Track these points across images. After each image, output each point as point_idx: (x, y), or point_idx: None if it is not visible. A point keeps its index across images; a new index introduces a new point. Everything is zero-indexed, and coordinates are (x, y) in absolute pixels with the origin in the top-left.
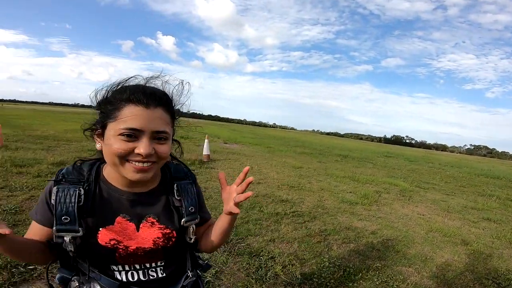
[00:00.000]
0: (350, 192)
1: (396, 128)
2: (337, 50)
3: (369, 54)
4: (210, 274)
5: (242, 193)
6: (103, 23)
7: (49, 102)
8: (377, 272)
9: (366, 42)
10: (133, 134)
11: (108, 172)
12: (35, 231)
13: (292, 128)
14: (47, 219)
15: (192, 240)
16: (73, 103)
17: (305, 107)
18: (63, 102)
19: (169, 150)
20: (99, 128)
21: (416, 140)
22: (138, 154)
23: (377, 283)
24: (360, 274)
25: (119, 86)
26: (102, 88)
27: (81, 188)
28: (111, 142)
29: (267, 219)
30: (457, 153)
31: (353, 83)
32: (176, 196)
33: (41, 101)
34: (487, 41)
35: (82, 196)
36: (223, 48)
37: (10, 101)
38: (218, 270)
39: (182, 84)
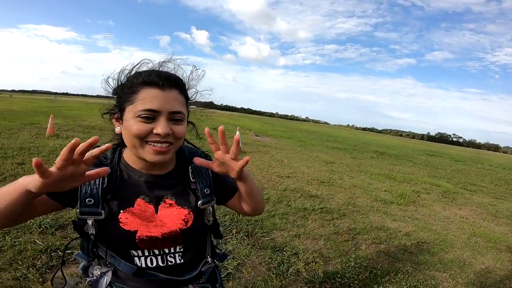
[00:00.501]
0: (385, 190)
1: (442, 125)
2: (375, 43)
3: (411, 47)
4: (232, 266)
5: (234, 157)
6: (141, 19)
7: (97, 95)
8: (407, 276)
9: (408, 35)
10: (150, 116)
11: (128, 156)
12: (45, 201)
13: (325, 123)
14: (57, 193)
15: (210, 222)
16: None
17: (340, 101)
18: (109, 95)
19: (185, 131)
20: (117, 112)
21: (464, 139)
22: (157, 135)
23: (405, 287)
24: (388, 276)
25: (133, 71)
26: (114, 74)
27: None
28: (130, 124)
29: (294, 214)
30: (510, 153)
31: (394, 77)
32: (191, 179)
33: (89, 94)
34: None
35: (106, 178)
36: (255, 41)
37: (62, 94)
38: (240, 262)
39: (195, 68)
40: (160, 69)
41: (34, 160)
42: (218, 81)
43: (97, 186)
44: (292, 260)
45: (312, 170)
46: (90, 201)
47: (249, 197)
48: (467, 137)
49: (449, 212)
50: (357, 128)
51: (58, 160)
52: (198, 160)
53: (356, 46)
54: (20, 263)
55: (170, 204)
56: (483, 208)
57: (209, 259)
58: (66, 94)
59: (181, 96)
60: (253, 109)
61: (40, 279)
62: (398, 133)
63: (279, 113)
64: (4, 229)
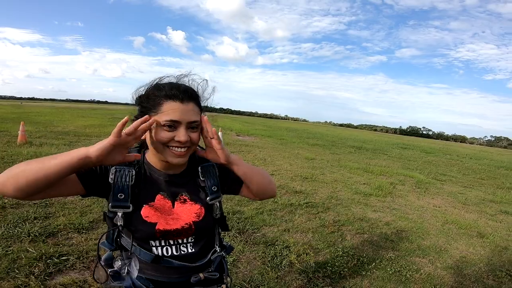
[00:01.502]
0: (364, 183)
1: (412, 119)
2: (349, 41)
3: (382, 45)
4: (228, 261)
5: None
6: (113, 20)
7: (66, 99)
8: (390, 262)
9: (379, 32)
10: (173, 125)
11: (150, 157)
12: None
13: (304, 120)
14: (87, 176)
15: (218, 216)
16: (89, 99)
17: (317, 98)
18: (79, 99)
19: (200, 137)
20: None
21: (433, 132)
22: (178, 141)
23: (390, 272)
24: (374, 263)
25: (155, 84)
26: (141, 87)
27: (133, 170)
28: (156, 132)
29: (281, 210)
30: (476, 144)
31: (366, 74)
32: (200, 177)
33: (58, 98)
34: (508, 31)
35: (134, 177)
36: (232, 41)
37: (28, 98)
38: (236, 258)
39: (207, 82)
40: (178, 82)
41: (125, 118)
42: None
43: (127, 183)
44: (285, 253)
45: (294, 167)
46: (121, 195)
47: (248, 181)
48: (436, 129)
49: (423, 202)
50: (334, 125)
51: (130, 127)
52: (199, 153)
53: (331, 44)
54: (17, 271)
55: (185, 200)
56: (453, 197)
57: (218, 249)
58: (33, 98)
59: (197, 107)
60: (233, 109)
61: (42, 286)
62: (373, 128)
63: (259, 112)
64: None
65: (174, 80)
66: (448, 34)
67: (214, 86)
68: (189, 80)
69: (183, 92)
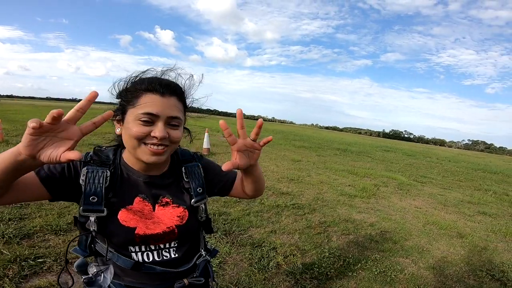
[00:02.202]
0: (349, 185)
1: (395, 122)
2: (336, 45)
3: (368, 49)
4: (214, 264)
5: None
6: (100, 18)
7: (47, 97)
8: (376, 263)
9: (366, 36)
10: (150, 119)
11: (127, 157)
12: (28, 177)
13: (291, 122)
14: (52, 180)
15: (203, 218)
16: (71, 97)
17: (304, 101)
18: (60, 97)
19: (181, 136)
20: (119, 114)
21: (414, 135)
22: (154, 137)
23: (376, 273)
24: (359, 264)
25: (137, 78)
26: (121, 80)
27: (107, 171)
28: (130, 126)
29: (268, 211)
30: (455, 148)
31: (352, 77)
32: (184, 179)
33: (38, 96)
34: (487, 37)
35: (109, 178)
36: (222, 42)
37: (7, 96)
38: (222, 260)
39: (193, 77)
40: (162, 77)
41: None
42: (183, 82)
43: (101, 185)
44: (272, 255)
45: (281, 168)
46: (94, 198)
47: (256, 180)
48: (417, 133)
49: (405, 203)
50: (320, 127)
51: (50, 114)
52: (226, 166)
53: (319, 48)
54: None
55: (166, 203)
56: (433, 198)
57: (203, 252)
58: (11, 96)
59: (180, 103)
60: (220, 110)
61: None
62: (358, 131)
63: (246, 114)
64: None
65: (158, 75)
66: (431, 39)
67: (201, 74)
68: (175, 75)
69: (164, 86)
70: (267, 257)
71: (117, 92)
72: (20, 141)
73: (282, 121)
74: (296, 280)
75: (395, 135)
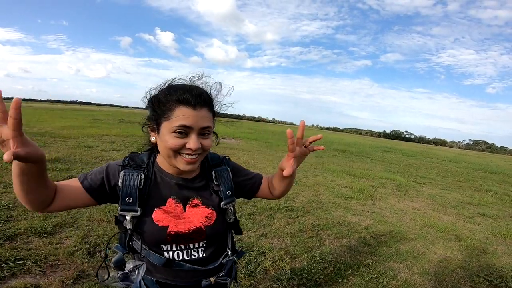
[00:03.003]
0: (346, 186)
1: (396, 123)
2: (336, 46)
3: (368, 49)
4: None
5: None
6: (100, 20)
7: (47, 99)
8: (368, 268)
9: (365, 37)
10: (184, 131)
11: (161, 161)
12: (75, 187)
13: (292, 123)
14: (95, 189)
15: (231, 220)
16: (71, 100)
17: (304, 102)
18: (61, 99)
19: (211, 143)
20: (154, 125)
21: (415, 135)
22: (189, 149)
23: (367, 279)
24: (351, 270)
25: (167, 87)
26: (152, 89)
27: (141, 173)
28: (166, 139)
29: (260, 214)
30: (456, 148)
31: (352, 78)
32: (214, 182)
33: (39, 98)
34: (487, 36)
35: (143, 180)
36: (222, 43)
37: (8, 98)
38: None
39: (220, 84)
40: (191, 84)
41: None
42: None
43: (135, 187)
44: (260, 259)
45: (277, 170)
46: (129, 199)
47: (292, 181)
48: (418, 133)
49: (403, 205)
50: (321, 128)
51: None
52: (287, 172)
53: (319, 48)
54: None
55: (196, 204)
56: (432, 199)
57: (229, 253)
58: (11, 98)
59: (210, 113)
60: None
61: None
62: (358, 132)
63: (246, 115)
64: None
65: (187, 83)
66: (431, 39)
67: (232, 86)
68: (202, 83)
69: (195, 97)
70: (255, 261)
71: (148, 99)
72: None
73: (283, 122)
74: (283, 287)
75: (396, 136)
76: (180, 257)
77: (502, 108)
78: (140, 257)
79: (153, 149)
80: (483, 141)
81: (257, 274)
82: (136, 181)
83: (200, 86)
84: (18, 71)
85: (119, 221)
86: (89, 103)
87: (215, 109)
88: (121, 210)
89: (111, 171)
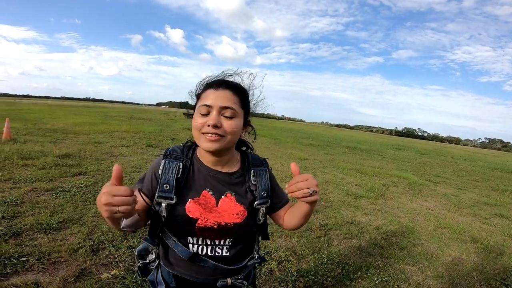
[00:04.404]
0: (356, 185)
1: (408, 120)
2: (347, 42)
3: (379, 46)
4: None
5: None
6: (110, 18)
7: (61, 97)
8: (378, 271)
9: (377, 33)
10: (206, 111)
11: (200, 153)
12: (139, 199)
13: (301, 120)
14: (150, 190)
15: (261, 221)
16: (84, 97)
17: (314, 99)
18: (74, 97)
19: (236, 127)
20: (193, 112)
21: (428, 133)
22: (208, 126)
23: (377, 282)
24: (360, 272)
25: (202, 82)
26: (198, 83)
27: (180, 163)
28: (194, 118)
29: None
30: (471, 146)
31: (363, 75)
32: (252, 181)
33: (53, 96)
34: (504, 33)
35: (180, 170)
36: (231, 40)
37: (23, 96)
38: None
39: (252, 75)
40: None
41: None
42: (193, 80)
43: (173, 175)
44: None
45: (286, 167)
46: (166, 186)
47: (305, 216)
48: (431, 131)
49: (416, 204)
50: (331, 125)
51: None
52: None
53: (328, 45)
54: None
55: (230, 199)
56: (447, 199)
57: (256, 255)
58: (27, 96)
59: (235, 97)
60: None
61: None
62: (369, 129)
63: (255, 111)
64: None
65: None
66: (445, 36)
67: (265, 74)
68: (236, 77)
69: (219, 82)
70: None
71: (194, 95)
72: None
73: (292, 119)
74: None
75: (408, 133)
76: (204, 252)
77: None
78: (166, 248)
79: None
80: (499, 139)
81: (262, 275)
82: (174, 170)
83: (235, 80)
84: (33, 69)
85: (154, 210)
86: (101, 100)
87: (249, 99)
88: (158, 197)
89: (157, 164)
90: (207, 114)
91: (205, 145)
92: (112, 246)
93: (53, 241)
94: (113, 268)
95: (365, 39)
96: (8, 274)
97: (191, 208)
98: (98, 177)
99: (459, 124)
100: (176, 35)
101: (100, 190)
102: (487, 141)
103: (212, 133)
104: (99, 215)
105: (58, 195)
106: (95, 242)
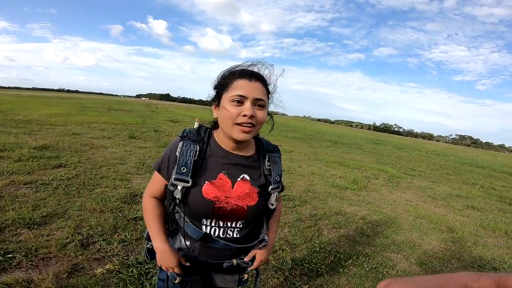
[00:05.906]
0: (340, 177)
1: (385, 116)
2: (330, 38)
3: (362, 43)
4: None
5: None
6: (89, 8)
7: (33, 88)
8: (367, 258)
9: (360, 31)
10: (240, 100)
11: (218, 136)
12: (159, 182)
13: (284, 114)
14: (167, 170)
15: (274, 206)
16: (58, 88)
17: (297, 93)
18: (47, 87)
19: (265, 117)
20: (216, 100)
21: (404, 129)
22: (244, 116)
23: (367, 269)
24: (351, 260)
25: (228, 71)
26: (219, 74)
27: (197, 146)
28: (226, 107)
29: None
30: (443, 142)
31: (345, 71)
32: (267, 166)
33: (24, 87)
34: (479, 34)
35: (197, 152)
36: (216, 33)
37: None
38: None
39: (273, 67)
40: (249, 68)
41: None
42: (175, 72)
43: (190, 158)
44: None
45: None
46: (183, 169)
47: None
48: (406, 127)
49: (396, 196)
50: (313, 119)
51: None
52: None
53: (313, 40)
54: None
55: (245, 182)
56: (423, 191)
57: (266, 238)
58: None
59: (264, 88)
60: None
61: None
62: (349, 124)
63: None
64: None
65: (245, 66)
66: (424, 35)
67: (283, 69)
68: (258, 68)
69: (251, 73)
70: None
71: (213, 84)
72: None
73: (274, 112)
74: (285, 277)
75: (385, 129)
76: (216, 234)
77: (489, 104)
78: (180, 227)
79: (213, 127)
80: (468, 136)
81: None
82: (192, 152)
83: (257, 70)
84: (3, 59)
85: (169, 191)
86: (76, 91)
87: (269, 88)
88: (175, 179)
89: (173, 145)
90: (239, 103)
91: (239, 135)
92: (103, 240)
93: (39, 237)
94: (107, 263)
95: (349, 36)
96: None
97: (208, 190)
98: (80, 169)
99: (433, 121)
100: (159, 26)
101: (83, 183)
102: (457, 137)
103: (247, 124)
104: (85, 208)
105: (38, 188)
106: (84, 237)
